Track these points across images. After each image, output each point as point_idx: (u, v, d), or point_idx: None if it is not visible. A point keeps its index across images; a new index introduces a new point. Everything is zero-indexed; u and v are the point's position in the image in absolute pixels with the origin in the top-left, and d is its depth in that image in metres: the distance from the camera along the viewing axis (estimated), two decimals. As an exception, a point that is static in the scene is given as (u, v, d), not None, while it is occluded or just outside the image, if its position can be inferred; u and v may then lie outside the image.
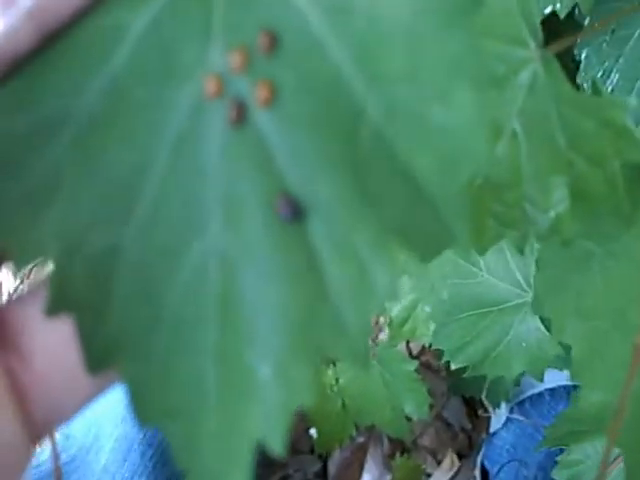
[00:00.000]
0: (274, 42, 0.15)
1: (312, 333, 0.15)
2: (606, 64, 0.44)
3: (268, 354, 0.16)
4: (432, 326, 0.64)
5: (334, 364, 0.80)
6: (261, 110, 0.16)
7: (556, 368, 0.65)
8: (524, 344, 0.60)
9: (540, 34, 0.24)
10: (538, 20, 0.24)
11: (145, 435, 0.53)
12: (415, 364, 0.79)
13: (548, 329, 0.55)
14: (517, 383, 0.82)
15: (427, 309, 0.61)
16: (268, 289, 0.15)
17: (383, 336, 1.06)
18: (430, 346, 0.64)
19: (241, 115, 0.16)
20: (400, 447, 0.93)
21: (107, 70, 0.16)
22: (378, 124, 0.14)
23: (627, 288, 0.26)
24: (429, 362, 0.99)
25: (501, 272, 0.62)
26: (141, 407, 0.16)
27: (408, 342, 1.00)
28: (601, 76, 0.45)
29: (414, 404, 0.78)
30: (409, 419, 0.79)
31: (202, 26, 0.16)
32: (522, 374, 0.61)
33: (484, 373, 0.58)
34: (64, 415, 0.17)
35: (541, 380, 0.59)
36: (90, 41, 0.16)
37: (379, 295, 0.15)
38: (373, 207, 0.15)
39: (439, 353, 0.62)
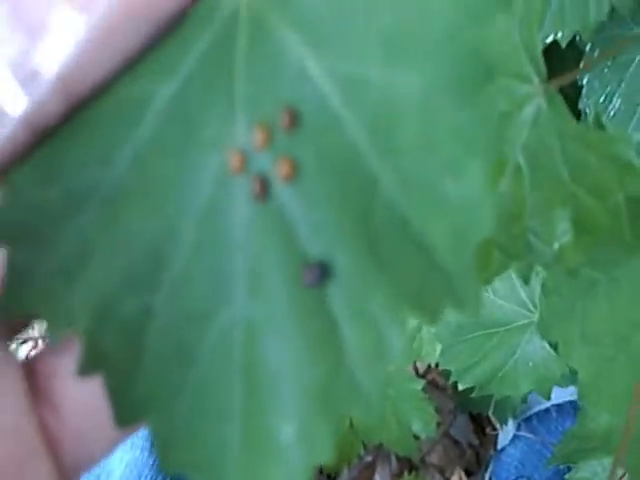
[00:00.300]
0: (295, 119, 0.16)
1: (331, 396, 0.16)
2: (608, 89, 0.45)
3: (290, 416, 0.16)
4: (438, 346, 0.64)
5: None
6: (283, 185, 0.16)
7: (562, 386, 0.65)
8: (531, 363, 0.60)
9: (543, 69, 0.25)
10: (540, 55, 0.25)
11: (155, 461, 0.53)
12: (422, 383, 0.79)
13: (554, 349, 0.55)
14: (524, 400, 0.82)
15: (433, 330, 0.62)
16: (290, 355, 0.16)
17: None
18: (437, 365, 0.64)
19: (264, 190, 0.16)
20: (408, 465, 0.94)
21: (133, 141, 0.16)
22: (392, 194, 0.15)
23: (631, 314, 0.27)
24: (435, 380, 0.99)
25: (507, 293, 0.63)
26: (166, 458, 0.17)
27: (414, 362, 1.00)
28: (603, 101, 0.45)
29: (421, 422, 0.78)
30: (417, 437, 0.79)
31: (225, 100, 0.16)
32: (529, 392, 0.61)
33: (491, 393, 0.58)
34: (93, 461, 0.18)
35: (548, 398, 0.59)
36: (116, 111, 0.16)
37: (392, 357, 0.15)
38: (388, 274, 0.15)
39: (446, 371, 0.63)
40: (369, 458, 0.94)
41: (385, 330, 0.15)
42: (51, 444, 0.17)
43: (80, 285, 0.17)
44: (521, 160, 0.25)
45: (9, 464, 0.16)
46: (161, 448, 0.17)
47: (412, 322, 0.72)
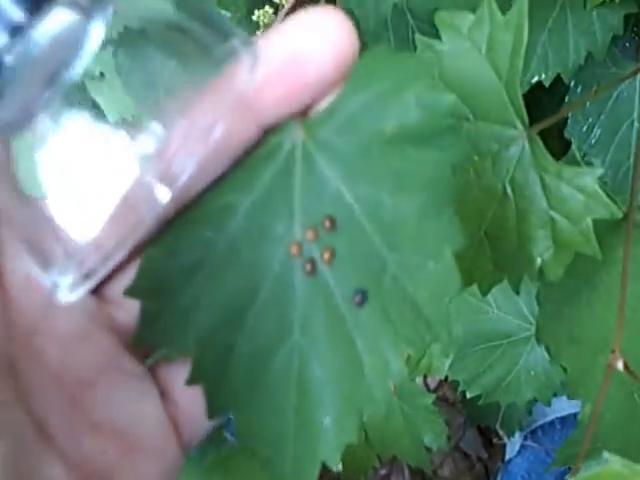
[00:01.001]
0: (333, 224, 0.24)
1: (354, 399, 0.24)
2: (590, 120, 0.51)
3: (328, 411, 0.25)
4: (447, 361, 0.69)
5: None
6: (325, 266, 0.25)
7: (563, 395, 0.70)
8: (532, 372, 0.65)
9: (525, 116, 0.30)
10: (523, 104, 0.30)
11: None
12: (432, 397, 0.83)
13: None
14: (529, 412, 0.86)
15: (439, 344, 0.67)
16: (328, 372, 0.25)
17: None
18: (447, 379, 0.69)
19: (313, 268, 0.25)
20: (421, 478, 0.97)
21: (227, 233, 0.24)
22: (395, 272, 0.24)
23: (607, 317, 0.32)
24: (446, 395, 1.03)
25: (510, 308, 0.68)
26: (244, 436, 0.25)
27: (426, 377, 1.05)
28: (585, 131, 0.51)
29: (433, 435, 0.82)
30: (428, 450, 0.83)
31: (287, 210, 0.25)
32: (533, 402, 0.66)
33: (497, 400, 0.63)
34: (200, 438, 0.26)
35: (549, 405, 0.64)
36: (214, 212, 0.24)
37: (395, 377, 0.24)
38: (392, 322, 0.24)
39: (455, 386, 0.68)
40: (384, 471, 0.98)
41: (390, 359, 0.24)
42: (176, 429, 0.25)
43: (190, 325, 0.25)
44: (509, 190, 0.30)
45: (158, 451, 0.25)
46: (241, 431, 0.25)
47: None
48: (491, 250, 0.30)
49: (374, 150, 0.23)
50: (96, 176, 0.20)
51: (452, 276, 0.23)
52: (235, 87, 0.22)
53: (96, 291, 0.25)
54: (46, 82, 0.17)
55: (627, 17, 0.45)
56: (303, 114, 0.24)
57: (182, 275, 0.24)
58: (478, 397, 0.65)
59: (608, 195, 0.28)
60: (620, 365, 0.30)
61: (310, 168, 0.24)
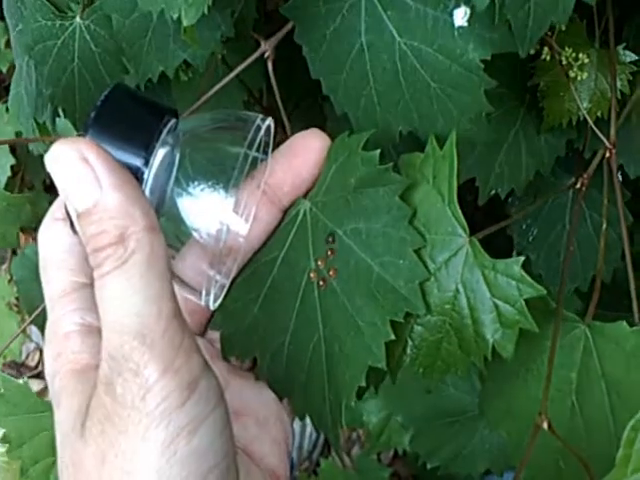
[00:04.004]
0: (334, 252, 0.37)
1: (361, 355, 0.36)
2: (528, 221, 0.59)
3: (346, 369, 0.37)
4: (406, 435, 0.75)
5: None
6: (332, 280, 0.37)
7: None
8: (487, 446, 0.71)
9: (466, 225, 0.37)
10: (462, 217, 0.37)
11: None
12: (389, 471, 0.89)
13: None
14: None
15: (399, 419, 0.73)
16: (343, 347, 0.37)
17: (356, 450, 1.16)
18: (404, 453, 0.74)
19: (325, 283, 0.37)
20: None
21: (272, 276, 0.38)
22: (379, 271, 0.35)
23: (539, 395, 0.38)
24: (398, 472, 1.08)
25: (465, 387, 0.74)
26: (297, 403, 0.39)
27: (379, 454, 1.10)
28: (524, 229, 0.59)
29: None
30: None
31: (306, 253, 0.38)
32: (486, 475, 0.71)
33: (455, 471, 0.68)
34: None
35: (501, 476, 0.70)
36: (263, 263, 0.39)
37: (384, 336, 0.36)
38: (380, 304, 0.36)
39: (411, 460, 0.73)
40: None
41: (379, 325, 0.36)
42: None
43: (254, 339, 0.39)
44: (460, 287, 0.37)
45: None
46: (297, 405, 0.38)
47: (381, 415, 0.83)
48: (456, 338, 0.37)
49: (347, 198, 0.36)
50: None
51: (418, 267, 0.35)
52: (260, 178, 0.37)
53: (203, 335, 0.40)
54: (164, 184, 0.32)
55: (568, 141, 0.54)
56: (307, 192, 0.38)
57: (244, 308, 0.39)
58: (431, 473, 0.71)
59: (538, 281, 0.36)
60: (545, 425, 0.37)
61: (315, 222, 0.38)
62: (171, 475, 0.26)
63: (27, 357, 1.54)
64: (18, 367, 1.51)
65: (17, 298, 1.06)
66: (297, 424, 0.32)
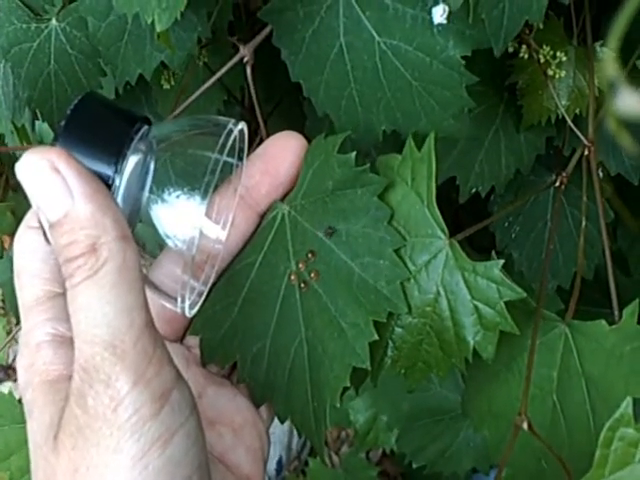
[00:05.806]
0: (314, 255, 0.36)
1: (344, 355, 0.36)
2: (510, 219, 0.59)
3: (330, 370, 0.36)
4: (392, 435, 0.75)
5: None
6: (314, 282, 0.37)
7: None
8: (472, 444, 0.71)
9: (445, 227, 0.37)
10: (442, 219, 0.37)
11: None
12: (377, 470, 0.89)
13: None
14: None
15: (384, 418, 0.72)
16: (326, 348, 0.37)
17: (344, 449, 1.16)
18: (392, 452, 0.74)
19: (307, 285, 0.37)
20: None
21: (250, 278, 0.38)
22: (359, 272, 0.35)
23: (520, 394, 0.38)
24: (387, 470, 1.08)
25: (451, 386, 0.74)
26: (280, 406, 0.38)
27: (368, 452, 1.10)
28: (507, 226, 0.59)
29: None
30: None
31: (285, 254, 0.37)
32: (472, 473, 0.71)
33: (441, 470, 0.68)
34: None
35: (487, 474, 0.70)
36: (240, 268, 0.38)
37: (367, 336, 0.36)
38: (362, 304, 0.36)
39: (398, 459, 0.73)
40: None
41: (362, 326, 0.35)
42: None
43: (234, 343, 0.38)
44: (441, 289, 0.37)
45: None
46: (279, 407, 0.38)
47: (367, 414, 0.83)
48: (437, 340, 0.37)
49: (326, 200, 0.36)
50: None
51: (398, 267, 0.35)
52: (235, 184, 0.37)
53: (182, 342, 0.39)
54: (138, 191, 0.31)
55: (548, 139, 0.54)
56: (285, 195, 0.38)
57: (223, 313, 0.38)
58: (418, 471, 0.71)
59: (519, 283, 0.36)
60: (525, 425, 0.37)
61: (294, 225, 0.37)
62: None
63: (14, 360, 1.53)
64: (5, 370, 1.51)
65: (3, 300, 1.05)
66: (287, 424, 0.32)
